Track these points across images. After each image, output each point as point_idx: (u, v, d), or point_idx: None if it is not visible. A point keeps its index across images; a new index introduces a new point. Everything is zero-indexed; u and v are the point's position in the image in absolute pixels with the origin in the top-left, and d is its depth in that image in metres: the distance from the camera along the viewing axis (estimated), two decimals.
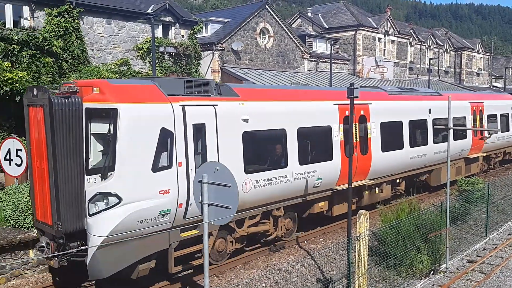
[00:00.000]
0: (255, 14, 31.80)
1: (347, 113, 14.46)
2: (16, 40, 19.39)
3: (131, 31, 24.82)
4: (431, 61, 46.60)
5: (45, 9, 21.18)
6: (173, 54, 26.30)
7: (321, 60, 38.54)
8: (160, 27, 26.29)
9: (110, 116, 9.63)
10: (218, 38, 30.02)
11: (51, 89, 10.67)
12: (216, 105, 11.34)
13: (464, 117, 21.93)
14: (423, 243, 12.33)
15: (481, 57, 62.32)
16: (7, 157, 13.78)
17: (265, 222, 13.31)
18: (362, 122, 15.79)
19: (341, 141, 14.78)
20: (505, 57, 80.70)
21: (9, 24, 20.39)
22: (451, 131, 14.00)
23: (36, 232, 11.23)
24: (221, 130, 11.31)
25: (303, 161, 13.51)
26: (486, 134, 23.06)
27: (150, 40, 24.14)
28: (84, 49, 22.33)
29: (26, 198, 12.56)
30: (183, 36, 27.28)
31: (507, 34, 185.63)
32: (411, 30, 49.51)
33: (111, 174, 9.58)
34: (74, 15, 21.86)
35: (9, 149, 13.73)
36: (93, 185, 9.77)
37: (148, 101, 10.13)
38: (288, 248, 14.11)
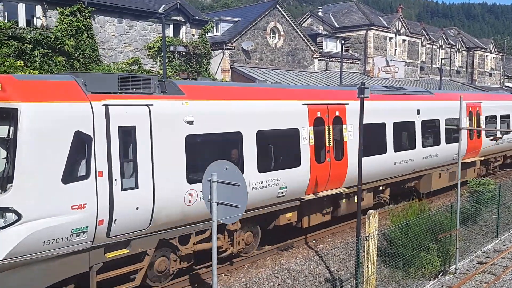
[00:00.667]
0: (266, 13, 31.82)
1: (319, 114, 13.56)
2: (28, 39, 19.63)
3: (142, 30, 24.98)
4: (443, 61, 46.27)
5: (58, 8, 21.41)
6: (184, 53, 26.45)
7: (331, 59, 38.44)
8: (171, 26, 26.43)
9: (10, 117, 8.33)
10: (228, 37, 30.09)
11: None
12: (151, 104, 9.88)
13: (458, 119, 20.66)
14: (433, 244, 12.26)
15: (493, 57, 61.74)
16: None
17: (218, 238, 11.58)
18: (337, 124, 14.30)
19: (311, 145, 13.34)
20: None
21: (22, 23, 20.65)
22: (463, 131, 13.88)
23: None
24: (157, 134, 9.88)
25: (263, 168, 12.02)
26: (498, 134, 22.05)
27: (161, 39, 24.28)
28: (96, 48, 22.55)
29: None
30: (193, 35, 27.41)
31: None
32: (422, 30, 49.21)
33: (10, 186, 8.13)
34: (86, 14, 22.08)
35: None
36: None
37: (61, 99, 8.72)
38: (297, 247, 14.10)
